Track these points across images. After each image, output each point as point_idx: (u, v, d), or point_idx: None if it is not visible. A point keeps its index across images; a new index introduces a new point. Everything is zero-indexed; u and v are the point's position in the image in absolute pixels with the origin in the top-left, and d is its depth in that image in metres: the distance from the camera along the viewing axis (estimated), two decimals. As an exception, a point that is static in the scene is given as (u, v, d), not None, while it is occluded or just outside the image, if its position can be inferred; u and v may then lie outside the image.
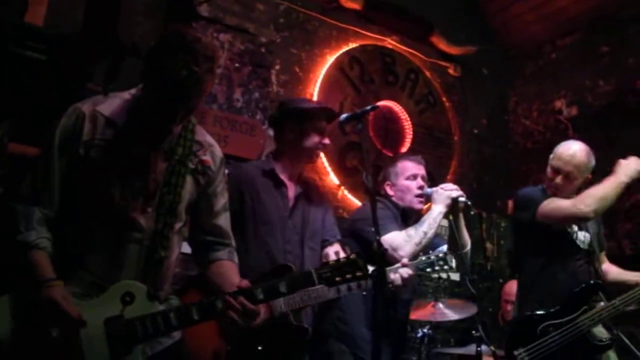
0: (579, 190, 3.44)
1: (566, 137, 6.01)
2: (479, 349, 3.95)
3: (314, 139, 3.10)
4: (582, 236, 3.47)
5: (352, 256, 2.19)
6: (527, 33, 6.47)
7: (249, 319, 2.11)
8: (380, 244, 2.61)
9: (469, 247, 3.40)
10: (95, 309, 1.99)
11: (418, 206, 3.47)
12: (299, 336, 2.90)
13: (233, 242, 2.39)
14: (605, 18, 5.87)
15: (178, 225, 2.19)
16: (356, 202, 5.08)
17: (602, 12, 5.88)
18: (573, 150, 3.49)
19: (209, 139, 2.34)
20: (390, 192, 3.54)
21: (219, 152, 2.35)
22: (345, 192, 5.19)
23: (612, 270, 3.67)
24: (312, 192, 3.27)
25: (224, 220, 2.36)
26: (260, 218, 3.03)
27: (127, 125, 2.10)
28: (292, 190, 3.15)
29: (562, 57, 6.35)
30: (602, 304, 3.32)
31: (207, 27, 4.70)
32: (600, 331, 3.37)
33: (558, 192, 3.47)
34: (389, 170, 3.60)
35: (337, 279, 2.14)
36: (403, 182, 3.47)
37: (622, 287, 3.46)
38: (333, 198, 5.10)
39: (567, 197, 3.40)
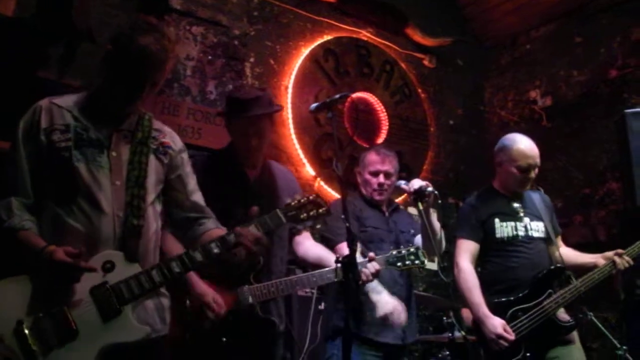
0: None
1: (541, 127, 6.15)
2: (450, 335, 4.03)
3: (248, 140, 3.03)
4: (535, 226, 3.56)
5: (312, 196, 2.32)
6: (502, 24, 6.52)
7: (260, 245, 2.24)
8: (349, 231, 2.58)
9: (439, 235, 3.45)
10: (80, 283, 2.07)
11: (377, 198, 3.71)
12: (266, 328, 2.89)
13: (213, 215, 2.47)
14: (578, 9, 5.94)
15: (150, 198, 2.28)
16: (332, 193, 5.10)
17: (575, 3, 5.94)
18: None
19: (167, 128, 2.48)
20: (358, 179, 3.85)
21: (178, 139, 2.49)
22: (322, 183, 5.21)
23: (569, 254, 3.70)
24: (274, 173, 3.21)
25: (199, 197, 2.48)
26: (220, 199, 2.91)
27: (85, 111, 2.24)
28: (252, 175, 3.10)
29: (536, 47, 6.42)
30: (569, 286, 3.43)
31: (180, 19, 4.70)
32: (563, 312, 3.47)
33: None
34: (360, 158, 3.88)
35: (303, 216, 2.26)
36: (366, 175, 3.75)
37: (581, 269, 3.54)
38: (309, 190, 5.11)
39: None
